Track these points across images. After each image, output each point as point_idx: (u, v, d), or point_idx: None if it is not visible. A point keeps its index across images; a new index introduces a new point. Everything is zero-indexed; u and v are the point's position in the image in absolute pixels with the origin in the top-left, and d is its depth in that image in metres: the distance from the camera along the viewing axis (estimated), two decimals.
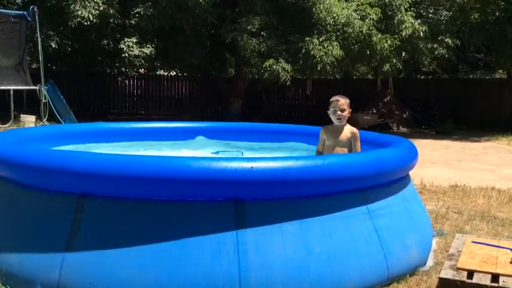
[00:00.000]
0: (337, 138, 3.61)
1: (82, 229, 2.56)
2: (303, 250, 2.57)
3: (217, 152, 4.90)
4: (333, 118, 3.65)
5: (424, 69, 19.39)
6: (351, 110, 3.72)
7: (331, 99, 3.69)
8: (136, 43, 14.29)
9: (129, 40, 14.24)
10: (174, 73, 19.46)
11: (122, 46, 14.14)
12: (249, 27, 13.17)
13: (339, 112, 3.60)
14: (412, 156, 3.34)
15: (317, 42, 12.83)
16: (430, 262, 3.29)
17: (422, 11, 14.41)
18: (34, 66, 15.55)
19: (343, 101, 3.64)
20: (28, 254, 2.63)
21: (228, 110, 16.73)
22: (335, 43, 12.91)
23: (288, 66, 13.04)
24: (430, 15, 14.15)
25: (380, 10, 13.26)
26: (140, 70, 17.49)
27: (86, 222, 2.57)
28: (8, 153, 2.89)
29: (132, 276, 2.46)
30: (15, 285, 2.61)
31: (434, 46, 13.48)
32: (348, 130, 3.65)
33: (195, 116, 17.70)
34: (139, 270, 2.46)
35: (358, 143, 3.62)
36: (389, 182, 3.08)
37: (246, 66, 14.31)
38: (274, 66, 12.92)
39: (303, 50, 13.01)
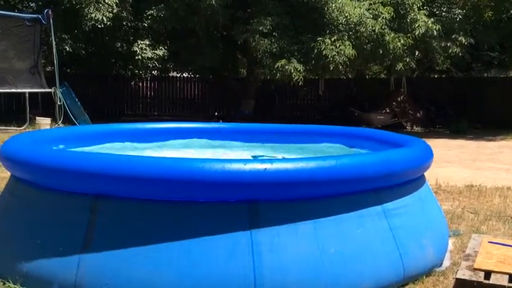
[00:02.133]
0: None
1: (98, 230, 2.58)
2: (318, 250, 2.57)
3: (257, 156, 4.81)
4: None
5: (437, 68, 19.20)
6: None
7: None
8: (149, 45, 14.40)
9: (142, 42, 14.36)
10: (187, 74, 19.55)
11: (135, 48, 14.27)
12: (260, 28, 13.18)
13: None
14: (427, 156, 3.32)
15: (329, 41, 12.79)
16: (446, 262, 3.26)
17: (435, 10, 14.28)
18: (49, 69, 15.72)
19: None
20: (45, 255, 2.66)
21: (241, 111, 16.76)
22: (347, 42, 12.85)
23: (300, 67, 13.02)
24: (443, 13, 14.01)
25: (393, 9, 13.17)
26: (153, 72, 17.61)
27: (101, 223, 2.59)
28: (24, 154, 2.93)
29: (147, 276, 2.47)
30: (33, 286, 2.64)
31: (448, 45, 13.36)
32: None
33: (208, 117, 17.76)
34: (154, 271, 2.48)
35: None
36: (404, 182, 3.06)
37: (258, 67, 14.34)
38: (287, 67, 12.92)
39: (315, 50, 12.98)
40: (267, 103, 18.47)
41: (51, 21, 12.74)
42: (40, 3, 16.01)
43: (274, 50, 13.15)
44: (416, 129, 15.99)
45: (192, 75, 19.36)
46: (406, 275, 2.83)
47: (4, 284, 2.76)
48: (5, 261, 2.84)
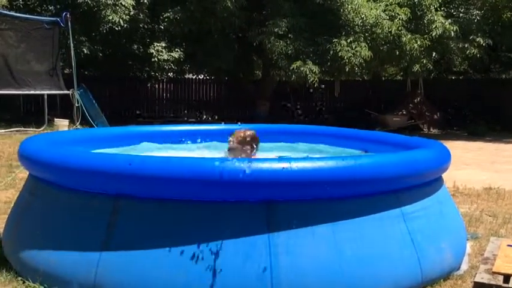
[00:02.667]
0: None
1: (118, 230, 2.61)
2: (335, 253, 2.56)
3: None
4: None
5: (455, 70, 19.01)
6: (254, 147, 3.60)
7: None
8: (165, 47, 14.50)
9: (158, 44, 14.47)
10: (202, 76, 19.63)
11: (152, 51, 14.37)
12: (276, 30, 13.19)
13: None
14: (445, 157, 3.29)
15: (345, 43, 12.75)
16: (464, 266, 3.23)
17: (452, 11, 14.15)
18: (67, 71, 15.92)
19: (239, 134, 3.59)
20: (65, 254, 2.69)
21: (256, 112, 16.77)
22: (363, 44, 12.80)
23: (315, 68, 13.00)
24: (460, 14, 13.88)
25: (409, 10, 13.09)
26: (169, 74, 17.72)
27: (121, 223, 2.62)
28: (45, 155, 2.98)
29: (165, 276, 2.49)
30: (53, 285, 2.68)
31: (466, 46, 13.22)
32: None
33: (223, 119, 17.80)
34: (172, 271, 2.49)
35: None
36: (423, 184, 3.04)
37: (273, 69, 14.35)
38: (302, 68, 12.91)
39: (331, 52, 12.96)
40: (282, 105, 18.44)
41: (69, 24, 12.91)
42: (58, 6, 16.22)
43: (290, 51, 13.15)
44: (433, 131, 15.84)
45: (208, 77, 19.43)
46: (424, 279, 2.81)
47: (24, 282, 2.81)
48: (25, 260, 2.89)
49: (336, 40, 12.88)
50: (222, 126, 5.66)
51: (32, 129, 11.88)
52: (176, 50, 14.70)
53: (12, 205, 4.18)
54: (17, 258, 2.99)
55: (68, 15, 12.91)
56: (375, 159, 2.79)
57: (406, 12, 13.01)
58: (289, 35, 13.34)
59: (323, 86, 17.29)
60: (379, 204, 2.76)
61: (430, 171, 3.10)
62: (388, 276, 2.65)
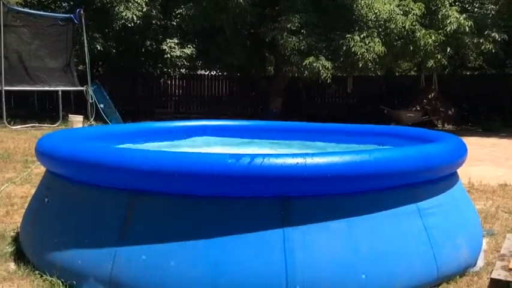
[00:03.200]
0: None
1: (133, 224, 2.63)
2: (350, 249, 2.55)
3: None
4: None
5: (469, 65, 18.81)
6: None
7: None
8: (177, 44, 14.55)
9: (170, 41, 14.52)
10: (215, 72, 19.67)
11: (164, 47, 14.43)
12: (289, 26, 13.16)
13: None
14: (461, 151, 3.25)
15: (358, 38, 12.68)
16: (480, 262, 3.20)
17: (467, 6, 13.98)
18: (81, 67, 16.06)
19: None
20: (81, 248, 2.72)
21: (268, 109, 16.76)
22: (377, 39, 12.72)
23: (328, 64, 12.95)
24: (475, 9, 13.71)
25: (423, 5, 12.96)
26: (182, 70, 17.78)
27: (136, 218, 2.64)
28: (61, 150, 3.01)
29: (180, 271, 2.50)
30: (69, 279, 2.71)
31: (481, 41, 13.06)
32: None
33: (235, 115, 17.83)
34: (186, 266, 2.50)
35: None
36: (438, 179, 3.01)
37: (286, 65, 14.31)
38: (315, 64, 12.86)
39: (344, 47, 12.89)
40: (295, 101, 18.42)
41: (83, 20, 13.01)
42: (72, 3, 16.36)
43: (302, 47, 13.11)
44: (447, 127, 15.70)
45: (220, 73, 19.46)
46: (440, 275, 2.79)
47: (41, 276, 2.84)
48: (42, 254, 2.93)
49: (349, 35, 12.81)
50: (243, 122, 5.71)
51: (46, 125, 12.01)
52: (188, 46, 14.75)
53: (28, 200, 4.24)
54: (34, 252, 3.04)
55: (82, 12, 13.01)
56: (390, 154, 2.76)
57: (420, 7, 12.89)
58: (302, 31, 13.30)
59: (333, 86, 17.20)
60: (395, 200, 2.74)
61: (446, 165, 3.07)
62: (403, 273, 2.64)
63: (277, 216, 2.55)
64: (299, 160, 2.50)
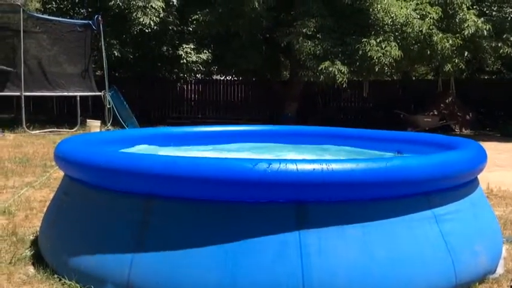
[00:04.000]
0: None
1: (150, 229, 2.65)
2: (366, 255, 2.54)
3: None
4: None
5: (487, 69, 18.57)
6: None
7: None
8: (193, 49, 14.67)
9: (187, 46, 14.65)
10: (230, 77, 19.75)
11: (180, 52, 14.56)
12: (304, 30, 13.16)
13: None
14: (480, 158, 3.21)
15: (374, 43, 12.63)
16: (500, 270, 3.15)
17: (485, 9, 13.83)
18: (98, 73, 16.26)
19: None
20: (99, 253, 2.75)
21: (284, 113, 16.76)
22: (393, 43, 12.65)
23: (344, 68, 12.91)
24: (493, 12, 13.56)
25: (440, 9, 12.86)
26: (197, 75, 17.90)
27: (154, 223, 2.66)
28: (80, 155, 3.05)
29: (197, 275, 2.52)
30: (87, 283, 2.73)
31: (499, 45, 12.91)
32: None
33: (252, 120, 17.86)
34: (203, 271, 2.52)
35: None
36: (456, 185, 2.98)
37: (301, 69, 14.31)
38: (330, 69, 12.84)
39: (360, 52, 12.85)
40: (311, 105, 18.38)
41: (101, 26, 13.18)
42: (90, 9, 16.61)
43: (318, 52, 13.09)
44: (465, 131, 15.52)
45: (235, 78, 19.53)
46: (458, 282, 2.76)
47: (60, 280, 2.88)
48: (61, 258, 2.96)
49: (365, 40, 12.77)
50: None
51: (65, 130, 12.18)
52: (204, 51, 14.86)
53: (46, 204, 4.31)
54: (53, 256, 3.07)
55: (100, 18, 13.19)
56: (406, 161, 2.75)
57: (438, 11, 12.80)
58: (318, 35, 13.29)
59: (349, 90, 17.13)
60: (411, 206, 2.72)
61: (463, 173, 3.04)
62: (421, 279, 2.61)
63: (293, 221, 2.55)
64: (316, 166, 2.51)
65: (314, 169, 2.51)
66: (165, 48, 15.82)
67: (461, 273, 2.76)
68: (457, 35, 12.76)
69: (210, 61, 15.23)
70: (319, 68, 12.95)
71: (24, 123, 11.55)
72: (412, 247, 2.65)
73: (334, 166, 2.54)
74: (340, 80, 12.96)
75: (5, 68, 12.40)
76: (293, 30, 13.45)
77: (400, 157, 3.02)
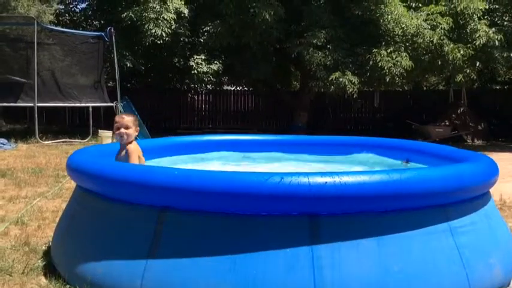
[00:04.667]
0: (119, 155, 3.55)
1: (163, 240, 2.66)
2: (380, 268, 2.52)
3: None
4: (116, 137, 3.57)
5: (499, 79, 18.46)
6: (138, 128, 3.61)
7: (115, 118, 3.59)
8: (204, 60, 14.75)
9: (198, 57, 14.74)
10: (240, 88, 19.82)
11: (191, 63, 14.65)
12: (314, 41, 13.20)
13: (121, 130, 3.51)
14: (493, 171, 3.20)
15: (385, 53, 12.63)
16: None
17: (496, 19, 13.80)
18: (110, 84, 16.41)
19: (126, 119, 3.53)
20: (111, 263, 2.76)
21: (294, 124, 16.76)
22: (404, 54, 12.64)
23: (354, 79, 12.92)
24: (505, 22, 13.51)
25: (451, 19, 12.85)
26: (208, 86, 18.01)
27: (166, 234, 2.67)
28: (93, 167, 3.07)
29: (209, 286, 2.52)
30: None
31: (511, 55, 12.84)
32: (126, 148, 3.53)
33: (261, 130, 17.88)
34: (215, 282, 2.51)
35: (131, 159, 3.48)
36: (471, 198, 2.96)
37: (311, 80, 14.33)
38: (341, 79, 12.85)
39: (371, 62, 12.85)
40: (321, 116, 18.38)
41: (113, 38, 13.32)
42: (102, 21, 16.81)
43: (328, 62, 13.12)
44: (477, 142, 15.39)
45: (246, 89, 19.60)
46: None
47: None
48: (73, 269, 2.97)
49: (376, 50, 12.77)
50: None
51: (77, 140, 12.28)
52: (215, 62, 14.94)
53: (59, 214, 4.34)
54: (65, 266, 3.08)
55: (112, 30, 13.33)
56: (420, 173, 2.73)
57: (448, 22, 12.78)
58: (328, 46, 13.32)
59: (359, 100, 17.10)
60: (426, 219, 2.70)
61: (478, 186, 3.02)
62: None
63: (306, 234, 2.54)
64: (328, 179, 2.50)
65: (326, 182, 2.51)
66: (176, 59, 15.94)
67: (476, 286, 2.73)
68: (469, 45, 12.72)
69: (220, 72, 15.31)
70: (330, 79, 12.96)
71: (37, 133, 11.66)
72: (427, 260, 2.62)
73: (347, 179, 2.53)
74: (350, 90, 12.96)
75: (19, 79, 12.57)
76: (303, 41, 13.49)
77: (414, 169, 3.00)
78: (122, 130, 3.49)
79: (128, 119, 3.52)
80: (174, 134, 13.92)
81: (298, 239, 2.54)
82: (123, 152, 3.54)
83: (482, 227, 2.96)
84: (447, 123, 15.52)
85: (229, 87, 20.17)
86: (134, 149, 3.53)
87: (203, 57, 14.82)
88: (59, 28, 14.70)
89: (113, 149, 3.80)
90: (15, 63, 13.16)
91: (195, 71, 14.64)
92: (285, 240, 2.54)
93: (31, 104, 12.14)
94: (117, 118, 3.53)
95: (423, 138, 14.06)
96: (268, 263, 2.51)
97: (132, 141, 3.58)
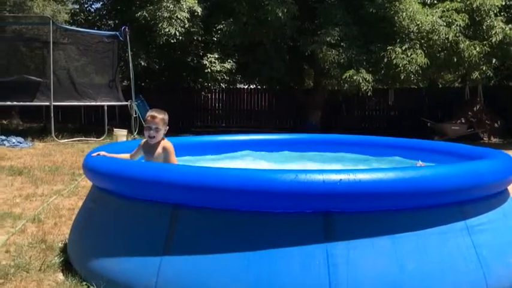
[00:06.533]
0: (152, 155, 3.50)
1: (177, 237, 2.67)
2: (396, 266, 2.50)
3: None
4: (145, 136, 3.54)
5: None
6: (167, 127, 3.57)
7: (147, 114, 3.55)
8: (218, 58, 14.78)
9: (211, 56, 14.77)
10: (253, 86, 19.82)
11: (205, 62, 14.69)
12: (328, 39, 13.14)
13: (151, 131, 3.47)
14: (511, 168, 3.15)
15: (400, 50, 12.53)
16: None
17: None
18: (125, 83, 16.52)
19: (158, 119, 3.48)
20: (127, 260, 2.78)
21: (307, 122, 16.71)
22: (419, 51, 12.53)
23: (369, 77, 12.83)
24: None
25: (467, 16, 12.69)
26: (221, 84, 18.04)
27: (180, 231, 2.68)
28: (108, 166, 3.10)
29: (223, 284, 2.52)
30: None
31: None
32: (161, 146, 3.51)
33: (275, 128, 17.87)
34: (230, 279, 2.52)
35: (172, 157, 3.49)
36: (488, 196, 2.92)
37: (325, 78, 14.28)
38: (355, 77, 12.77)
39: (385, 59, 12.76)
40: (334, 114, 18.29)
41: (127, 37, 13.40)
42: (117, 21, 16.93)
43: (342, 60, 13.04)
44: (494, 140, 15.19)
45: (259, 87, 19.59)
46: None
47: (88, 287, 2.92)
48: (89, 266, 3.00)
49: (391, 48, 12.67)
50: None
51: (92, 139, 12.38)
52: (228, 60, 14.96)
53: (75, 212, 4.38)
54: (82, 264, 3.12)
55: (127, 29, 13.40)
56: (436, 171, 2.70)
57: (464, 18, 12.63)
58: (342, 44, 13.25)
59: (374, 98, 16.98)
60: (442, 217, 2.67)
61: (495, 183, 2.97)
62: None
63: (320, 231, 2.53)
64: (342, 176, 2.49)
65: (341, 179, 2.49)
66: (189, 58, 15.99)
67: (493, 286, 2.69)
68: (485, 42, 12.55)
69: (234, 70, 15.33)
70: (343, 77, 12.89)
71: (53, 132, 11.78)
72: (443, 259, 2.60)
73: (361, 176, 2.52)
74: (364, 88, 12.88)
75: (35, 78, 12.71)
76: (317, 39, 13.44)
77: (430, 166, 2.97)
78: (152, 131, 3.48)
79: (159, 118, 3.50)
80: (188, 133, 13.99)
81: (313, 237, 2.53)
82: (159, 150, 3.51)
83: (499, 226, 2.92)
84: (463, 121, 15.34)
85: (242, 86, 20.17)
86: (173, 148, 3.54)
87: (216, 56, 14.85)
88: (74, 28, 14.83)
89: (127, 147, 3.83)
90: (31, 63, 13.31)
91: (209, 70, 14.68)
92: (299, 238, 2.54)
93: (47, 103, 12.26)
94: (148, 117, 3.52)
95: (439, 136, 13.92)
96: (283, 260, 2.50)
97: (163, 139, 3.58)
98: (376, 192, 2.52)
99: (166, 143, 3.56)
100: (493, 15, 12.73)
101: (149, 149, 3.55)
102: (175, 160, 3.53)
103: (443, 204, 2.69)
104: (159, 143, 3.53)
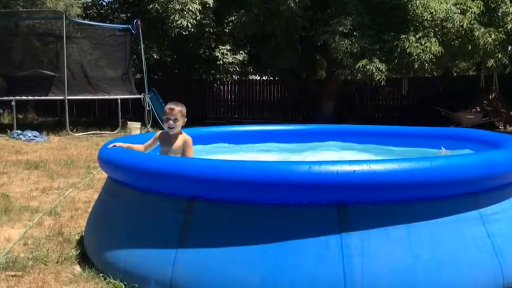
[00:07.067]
0: (170, 146, 3.54)
1: (192, 229, 2.69)
2: (411, 256, 2.50)
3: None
4: (165, 127, 3.56)
5: None
6: (185, 119, 3.62)
7: (165, 107, 3.58)
8: (230, 50, 14.75)
9: (223, 48, 14.75)
10: (266, 77, 19.76)
11: (217, 54, 14.67)
12: (340, 29, 13.03)
13: (171, 122, 3.50)
14: None
15: (413, 39, 12.38)
16: None
17: None
18: (138, 76, 16.58)
19: (176, 110, 3.52)
20: (143, 252, 2.81)
21: (320, 112, 16.64)
22: (433, 39, 12.37)
23: (382, 66, 12.71)
24: None
25: (482, 3, 12.48)
26: (234, 76, 18.02)
27: (195, 223, 2.70)
28: (124, 159, 3.13)
29: (238, 276, 2.54)
30: (132, 282, 2.80)
31: None
32: (181, 139, 3.56)
33: (288, 119, 17.82)
34: (245, 271, 2.54)
35: (190, 151, 3.53)
36: (502, 185, 2.89)
37: (338, 68, 14.17)
38: (368, 67, 12.66)
39: (399, 48, 12.62)
40: (348, 104, 18.18)
41: (140, 30, 13.43)
42: (129, 14, 16.96)
43: (355, 50, 12.93)
44: (509, 128, 14.99)
45: (271, 78, 19.52)
46: (506, 285, 2.68)
47: (105, 279, 2.96)
48: (105, 258, 3.05)
49: (404, 36, 12.53)
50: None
51: (107, 132, 12.48)
52: (240, 52, 14.93)
53: (91, 204, 4.43)
54: (98, 255, 3.16)
55: (139, 22, 13.43)
56: (451, 161, 2.68)
57: (479, 5, 12.43)
58: (355, 33, 13.12)
59: (387, 88, 16.82)
60: (457, 207, 2.66)
61: (509, 172, 2.94)
62: (467, 281, 2.55)
63: (335, 222, 2.54)
64: (356, 167, 2.48)
65: (355, 170, 2.49)
66: (201, 50, 15.98)
67: (509, 276, 2.68)
68: (500, 29, 12.35)
69: (246, 62, 15.29)
70: (356, 67, 12.79)
71: (68, 126, 11.90)
72: (458, 248, 2.59)
73: (375, 167, 2.51)
74: (378, 77, 12.77)
75: (49, 72, 12.82)
76: (329, 29, 13.33)
77: (444, 156, 2.94)
78: (171, 121, 3.54)
79: (177, 110, 3.56)
80: (202, 125, 14.02)
81: (327, 228, 2.53)
82: (178, 142, 3.57)
83: None
84: (478, 110, 15.14)
85: (254, 77, 20.12)
86: (191, 142, 3.61)
87: (228, 48, 14.82)
88: (87, 21, 14.90)
89: (141, 140, 3.86)
90: (45, 57, 13.41)
91: (221, 62, 14.67)
92: (314, 229, 2.54)
93: (61, 97, 12.37)
94: (167, 109, 3.57)
95: (454, 125, 13.77)
96: (298, 252, 2.52)
97: (181, 132, 3.64)
98: (391, 183, 2.52)
99: (186, 136, 3.62)
100: (508, 2, 12.51)
101: (168, 140, 3.61)
102: (192, 154, 3.59)
103: (457, 194, 2.68)
104: (178, 135, 3.60)
